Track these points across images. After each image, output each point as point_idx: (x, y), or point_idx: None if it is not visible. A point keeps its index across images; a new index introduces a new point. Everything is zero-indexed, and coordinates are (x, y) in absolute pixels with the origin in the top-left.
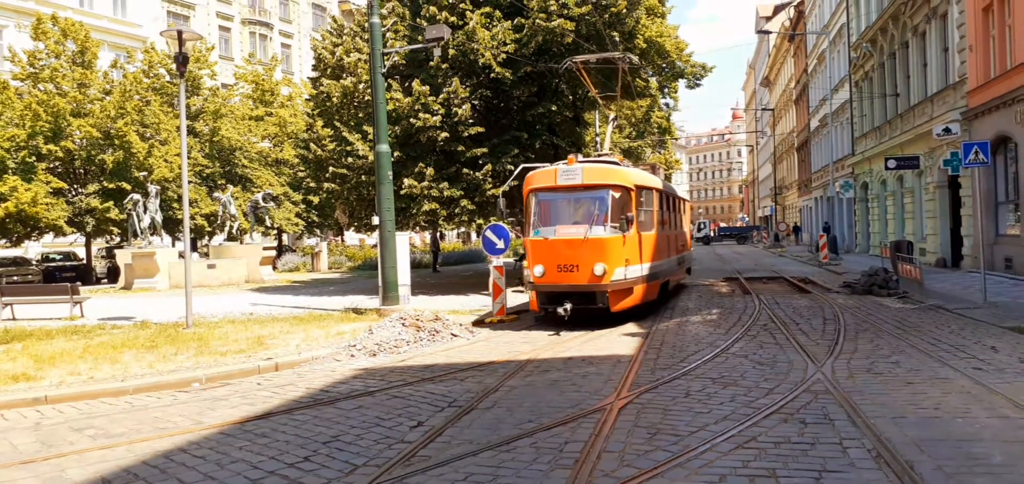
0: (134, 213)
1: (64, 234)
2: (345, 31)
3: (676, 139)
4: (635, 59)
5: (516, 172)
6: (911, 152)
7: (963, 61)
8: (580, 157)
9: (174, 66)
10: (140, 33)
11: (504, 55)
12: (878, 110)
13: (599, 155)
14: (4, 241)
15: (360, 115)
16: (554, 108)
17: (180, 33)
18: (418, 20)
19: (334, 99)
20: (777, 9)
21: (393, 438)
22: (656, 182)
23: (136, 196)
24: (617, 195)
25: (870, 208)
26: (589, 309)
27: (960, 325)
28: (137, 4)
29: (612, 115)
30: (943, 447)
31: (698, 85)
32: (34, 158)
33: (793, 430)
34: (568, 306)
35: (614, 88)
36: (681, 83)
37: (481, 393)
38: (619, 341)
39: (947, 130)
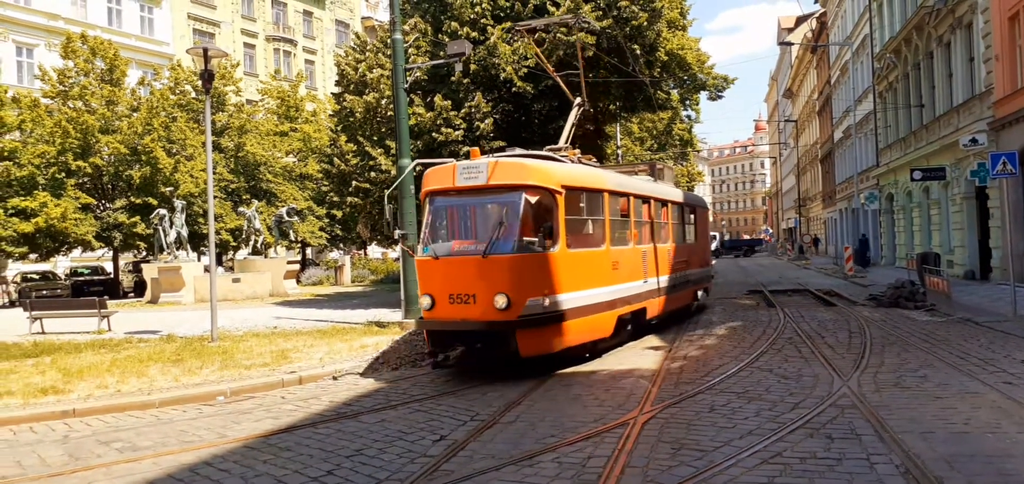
0: (160, 228)
1: (92, 249)
2: (368, 47)
3: (698, 151)
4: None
5: (409, 168)
6: (937, 163)
7: (989, 71)
8: (504, 154)
9: (200, 83)
10: (167, 51)
11: (525, 69)
12: (903, 121)
13: (555, 149)
14: (34, 256)
15: (383, 130)
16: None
17: (206, 50)
18: (440, 35)
19: (357, 114)
20: (799, 20)
21: (416, 452)
22: (611, 180)
23: (162, 211)
24: (534, 199)
25: (896, 220)
26: (491, 355)
27: (989, 338)
28: (164, 22)
29: (577, 100)
30: (973, 463)
31: (720, 97)
32: (64, 174)
33: (819, 445)
34: (459, 350)
35: (635, 100)
36: (703, 95)
37: (503, 407)
38: (641, 355)
39: (974, 141)
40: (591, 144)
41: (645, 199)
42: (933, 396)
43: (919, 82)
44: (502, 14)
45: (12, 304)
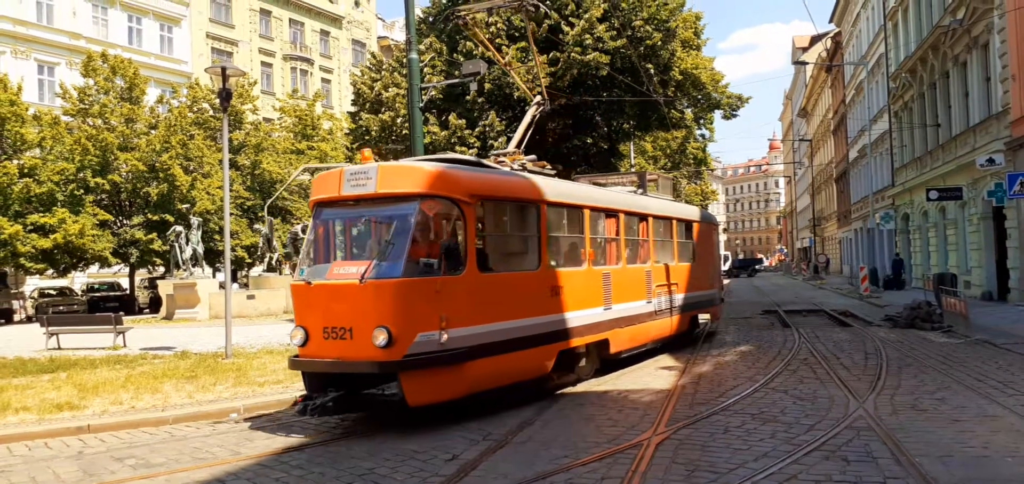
0: (176, 244)
1: (109, 265)
2: (384, 67)
3: (712, 170)
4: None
5: (297, 173)
6: (953, 183)
7: (1006, 91)
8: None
9: (218, 101)
10: (185, 69)
11: (539, 88)
12: (918, 141)
13: (498, 155)
14: (52, 272)
15: (398, 148)
16: (589, 140)
17: (224, 69)
18: (455, 55)
19: (373, 133)
20: (814, 39)
21: (428, 471)
22: (550, 190)
23: (178, 228)
24: (432, 211)
25: (912, 240)
26: (374, 400)
27: (1008, 360)
28: (183, 41)
29: (536, 98)
30: None
31: (734, 116)
32: (82, 191)
33: (835, 468)
34: (332, 395)
35: (649, 119)
36: (717, 114)
37: (516, 427)
38: (655, 375)
39: (991, 161)
40: (604, 162)
41: (612, 213)
42: (951, 419)
43: (935, 102)
44: (517, 34)
45: (29, 320)
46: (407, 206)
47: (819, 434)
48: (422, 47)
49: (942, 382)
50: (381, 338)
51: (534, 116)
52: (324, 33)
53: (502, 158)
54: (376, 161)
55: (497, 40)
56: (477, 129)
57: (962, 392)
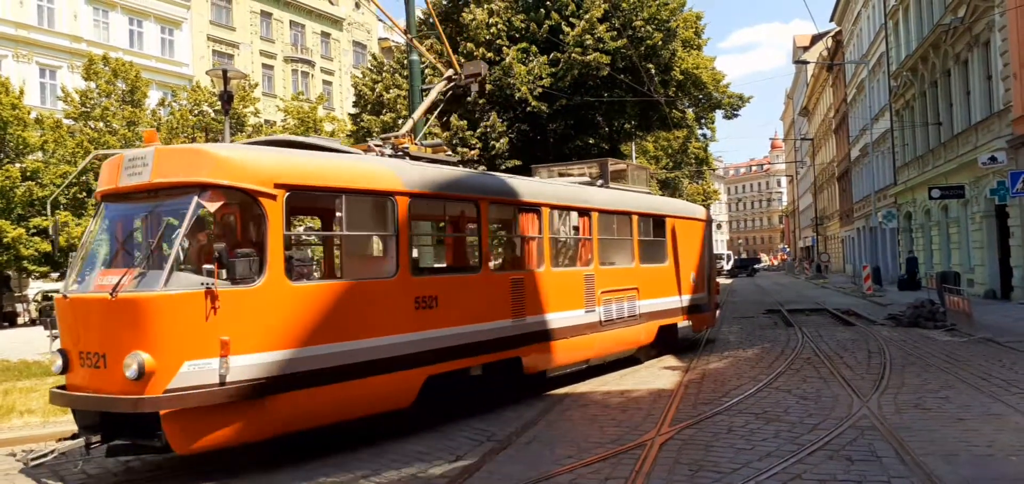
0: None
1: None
2: (385, 68)
3: (714, 170)
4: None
5: (86, 162)
6: (956, 181)
7: (1008, 89)
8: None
9: (219, 103)
10: (186, 72)
11: (540, 89)
12: (920, 139)
13: (388, 138)
14: (55, 275)
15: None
16: (591, 140)
17: (225, 72)
18: (456, 56)
19: (374, 135)
20: (815, 38)
21: (433, 472)
22: (415, 178)
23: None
24: (216, 204)
25: (914, 239)
26: (136, 446)
27: (1012, 359)
28: (184, 44)
29: (449, 72)
30: None
31: (735, 115)
32: (85, 194)
33: (839, 468)
34: (91, 441)
35: (651, 119)
36: (718, 113)
37: (520, 427)
38: (659, 375)
39: (993, 159)
40: None
41: (530, 207)
42: (955, 418)
43: (936, 100)
44: (517, 35)
45: (33, 323)
46: (183, 200)
47: (823, 434)
48: (423, 48)
49: (946, 381)
50: (132, 368)
51: (442, 92)
52: (325, 35)
53: (378, 145)
54: (160, 143)
55: (498, 41)
56: (478, 130)
57: (966, 391)
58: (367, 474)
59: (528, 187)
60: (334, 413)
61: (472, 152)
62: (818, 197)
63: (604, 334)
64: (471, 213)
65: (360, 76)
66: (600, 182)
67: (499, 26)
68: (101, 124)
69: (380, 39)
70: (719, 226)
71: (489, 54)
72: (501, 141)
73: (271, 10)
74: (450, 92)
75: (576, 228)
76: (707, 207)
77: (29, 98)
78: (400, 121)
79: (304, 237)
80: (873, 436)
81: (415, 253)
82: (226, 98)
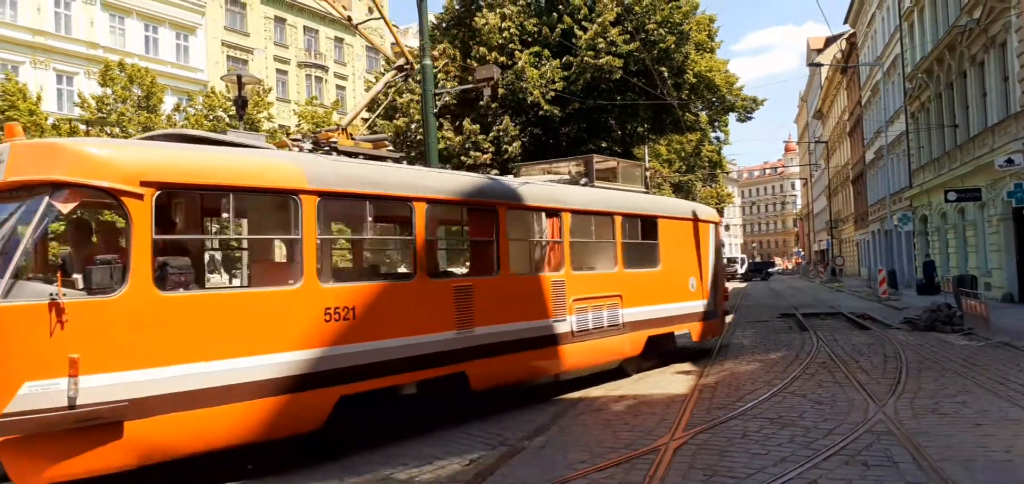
0: None
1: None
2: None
3: (727, 173)
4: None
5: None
6: (972, 184)
7: None
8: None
9: (234, 108)
10: (201, 77)
11: (553, 93)
12: (936, 141)
13: (327, 131)
14: None
15: (412, 154)
16: (604, 144)
17: (240, 77)
18: (468, 61)
19: (388, 139)
20: (829, 41)
21: (447, 476)
22: (329, 175)
23: None
24: (69, 205)
25: (930, 242)
26: None
27: None
28: (198, 50)
29: (401, 60)
30: None
31: (749, 118)
32: None
33: (855, 473)
34: None
35: (664, 123)
36: (732, 116)
37: (532, 432)
38: (672, 380)
39: (1010, 161)
40: None
41: (483, 208)
42: (973, 423)
43: (952, 102)
44: (530, 39)
45: None
46: (35, 200)
47: (838, 438)
48: (436, 53)
49: (963, 385)
50: None
51: (388, 83)
52: (338, 40)
53: (303, 137)
54: (20, 137)
55: (510, 45)
56: (491, 134)
57: (984, 395)
58: (382, 477)
59: (480, 186)
60: (218, 438)
61: (485, 156)
62: (833, 200)
63: (577, 345)
64: (403, 214)
65: (373, 81)
66: (584, 181)
67: (511, 30)
68: (117, 129)
69: (393, 45)
70: (727, 228)
71: (502, 58)
72: (514, 145)
73: (285, 16)
74: (397, 83)
75: (537, 230)
76: (719, 210)
77: (46, 104)
78: (413, 125)
79: (180, 241)
80: (889, 441)
81: (335, 259)
82: (240, 103)
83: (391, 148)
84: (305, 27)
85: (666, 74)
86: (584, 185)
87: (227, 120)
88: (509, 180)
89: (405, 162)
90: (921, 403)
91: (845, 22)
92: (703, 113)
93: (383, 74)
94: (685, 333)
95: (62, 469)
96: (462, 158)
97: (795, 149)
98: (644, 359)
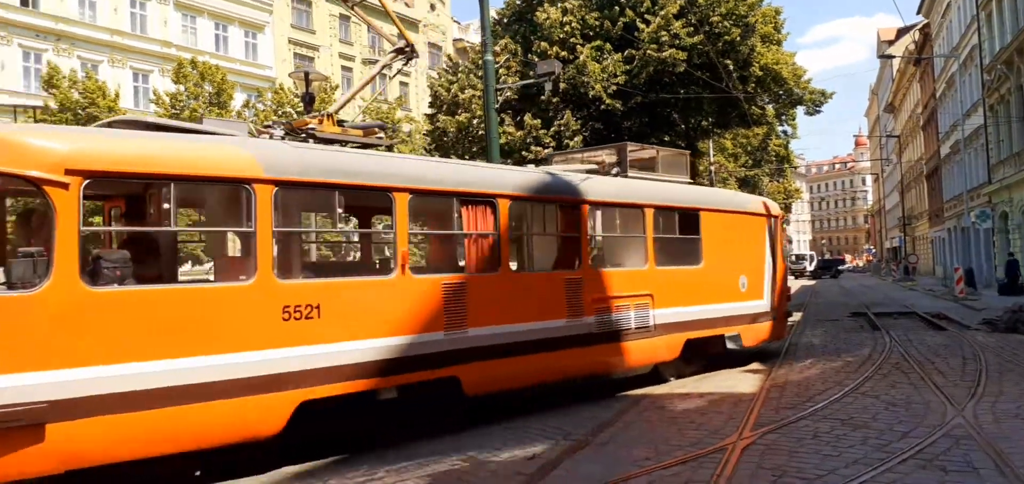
0: None
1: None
2: (460, 69)
3: (795, 168)
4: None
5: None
6: None
7: None
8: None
9: (301, 104)
10: (269, 74)
11: (614, 87)
12: (1017, 135)
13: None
14: None
15: (475, 149)
16: (667, 138)
17: (307, 74)
18: (529, 56)
19: (450, 134)
20: (900, 32)
21: (511, 468)
22: (289, 163)
23: None
24: None
25: (1011, 240)
26: None
27: None
28: (267, 47)
29: (400, 43)
30: None
31: (817, 111)
32: None
33: (932, 478)
34: None
35: (729, 116)
36: (799, 110)
37: (596, 427)
38: (740, 378)
39: None
40: None
41: (481, 198)
42: None
43: None
44: (591, 33)
45: None
46: None
47: (914, 442)
48: (497, 49)
49: None
50: None
51: (386, 64)
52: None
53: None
54: None
55: (572, 39)
56: (552, 128)
57: None
58: (448, 466)
59: (477, 176)
60: (157, 444)
61: (545, 151)
62: (905, 196)
63: (597, 348)
64: (382, 204)
65: (436, 77)
66: (616, 171)
67: (573, 24)
68: None
69: (455, 40)
70: (788, 223)
71: (563, 52)
72: (575, 139)
73: (349, 14)
74: (399, 68)
75: (551, 224)
76: (787, 205)
77: (124, 101)
78: (475, 121)
79: (111, 232)
80: (969, 446)
81: (310, 252)
82: (308, 99)
83: (382, 135)
84: (368, 25)
85: (731, 67)
86: (615, 175)
87: (295, 116)
88: (517, 170)
89: (390, 149)
90: (1003, 407)
91: (918, 13)
92: (770, 106)
93: (446, 71)
94: (734, 334)
95: None
96: (523, 153)
97: (865, 143)
98: (685, 364)
